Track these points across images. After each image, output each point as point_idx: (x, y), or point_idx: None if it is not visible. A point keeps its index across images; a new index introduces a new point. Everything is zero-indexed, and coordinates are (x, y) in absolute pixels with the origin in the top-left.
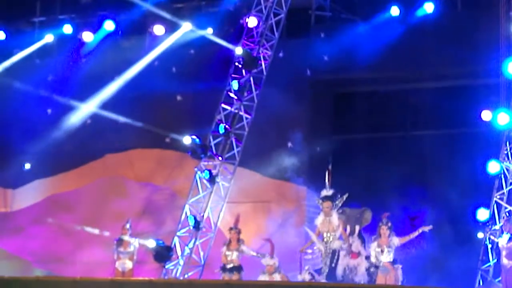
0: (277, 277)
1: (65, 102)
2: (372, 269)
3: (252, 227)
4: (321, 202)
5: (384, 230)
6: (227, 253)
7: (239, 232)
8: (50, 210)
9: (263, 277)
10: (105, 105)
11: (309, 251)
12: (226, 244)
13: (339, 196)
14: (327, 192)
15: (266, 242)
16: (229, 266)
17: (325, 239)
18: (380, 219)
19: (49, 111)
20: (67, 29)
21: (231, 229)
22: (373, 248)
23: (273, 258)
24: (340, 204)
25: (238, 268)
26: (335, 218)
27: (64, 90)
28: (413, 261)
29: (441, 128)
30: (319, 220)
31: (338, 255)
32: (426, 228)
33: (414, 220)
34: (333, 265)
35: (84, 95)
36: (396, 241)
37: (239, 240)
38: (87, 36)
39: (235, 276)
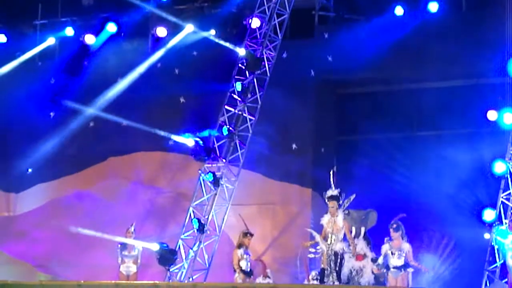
0: None
1: (68, 105)
2: (382, 270)
3: (257, 230)
4: (327, 202)
5: (392, 233)
6: (245, 256)
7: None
8: (53, 214)
9: None
10: (108, 108)
11: (312, 250)
12: (240, 247)
13: (344, 195)
14: (332, 191)
15: (258, 262)
16: (248, 269)
17: (328, 240)
18: (386, 220)
19: (51, 114)
20: (69, 31)
21: (248, 234)
22: (384, 249)
23: (266, 279)
24: (347, 205)
25: (252, 272)
26: (340, 219)
27: (66, 93)
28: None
29: (446, 128)
30: (325, 219)
31: (341, 258)
32: (424, 269)
33: None
34: (337, 268)
35: (86, 98)
36: (406, 247)
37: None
38: (89, 39)
39: (250, 280)
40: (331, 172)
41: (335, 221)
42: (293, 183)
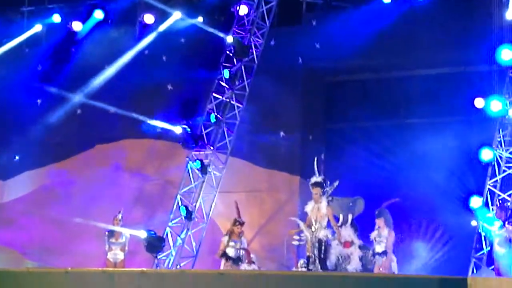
0: None
1: (55, 92)
2: (370, 257)
3: (245, 217)
4: (311, 189)
5: (376, 219)
6: (231, 243)
7: (243, 225)
8: (40, 201)
9: None
10: (95, 95)
11: (297, 237)
12: (228, 235)
13: (329, 183)
14: (316, 178)
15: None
16: (234, 256)
17: (312, 228)
18: (374, 207)
19: (39, 101)
20: (56, 18)
21: (237, 222)
22: (372, 236)
23: (251, 265)
24: (330, 191)
25: (240, 260)
26: (323, 206)
27: (54, 80)
28: (406, 250)
29: (434, 115)
30: (309, 207)
31: (326, 245)
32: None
33: None
34: (321, 255)
35: (74, 85)
36: (385, 233)
37: (240, 233)
38: (77, 26)
39: (237, 267)
40: (316, 159)
41: (319, 208)
42: (281, 171)
